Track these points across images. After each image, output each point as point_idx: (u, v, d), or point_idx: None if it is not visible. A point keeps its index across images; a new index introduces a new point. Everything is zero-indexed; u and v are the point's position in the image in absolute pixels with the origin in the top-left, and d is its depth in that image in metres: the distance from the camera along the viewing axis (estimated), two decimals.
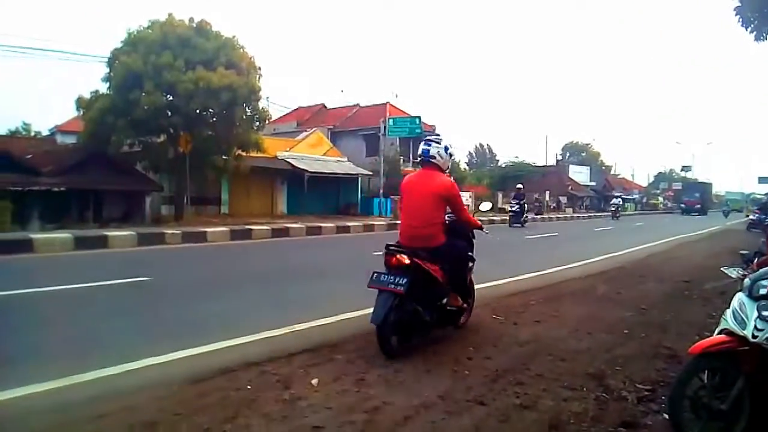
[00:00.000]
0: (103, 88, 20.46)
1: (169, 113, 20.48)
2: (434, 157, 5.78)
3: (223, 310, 7.01)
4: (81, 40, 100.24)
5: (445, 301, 5.76)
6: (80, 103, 20.35)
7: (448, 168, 6.04)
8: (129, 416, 3.72)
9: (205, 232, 16.21)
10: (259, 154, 23.71)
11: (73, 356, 4.98)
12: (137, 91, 19.18)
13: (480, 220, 6.73)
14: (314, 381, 4.52)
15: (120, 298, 7.72)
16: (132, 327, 6.14)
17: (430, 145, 5.81)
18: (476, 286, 6.98)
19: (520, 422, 3.97)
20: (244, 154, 22.65)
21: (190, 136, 20.26)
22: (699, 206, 62.56)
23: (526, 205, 29.66)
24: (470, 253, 6.44)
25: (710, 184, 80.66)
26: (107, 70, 20.30)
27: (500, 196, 47.77)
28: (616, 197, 50.67)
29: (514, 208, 28.58)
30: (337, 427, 3.70)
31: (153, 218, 20.92)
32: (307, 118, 42.74)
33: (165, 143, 21.50)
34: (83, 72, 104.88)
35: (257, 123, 22.87)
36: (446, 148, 5.86)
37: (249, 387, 4.33)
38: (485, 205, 10.62)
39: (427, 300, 5.48)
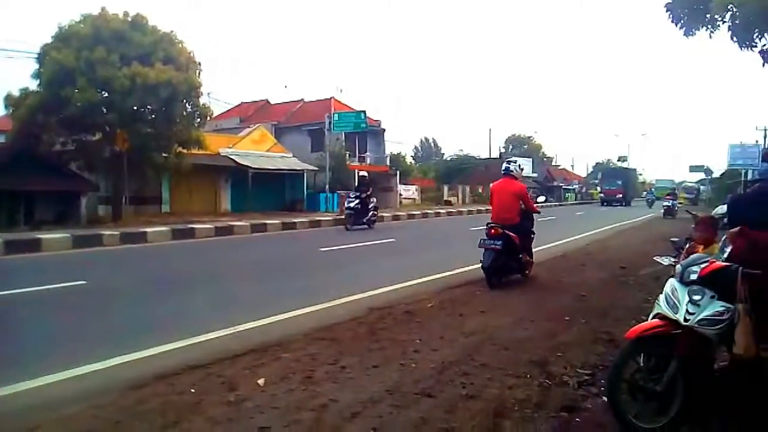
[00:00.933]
0: (33, 85, 19.53)
1: (105, 110, 19.72)
2: (512, 171, 9.47)
3: (164, 313, 6.82)
4: (8, 35, 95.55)
5: (520, 256, 9.28)
6: (8, 100, 19.35)
7: (520, 177, 9.89)
8: (64, 427, 3.57)
9: (145, 232, 15.75)
10: (201, 152, 23.16)
11: (2, 366, 4.74)
12: (69, 88, 18.38)
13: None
14: (260, 381, 4.46)
15: (54, 304, 7.39)
16: (67, 333, 5.88)
17: (509, 164, 9.62)
18: (426, 278, 8.94)
19: (467, 412, 4.02)
20: (185, 151, 22.07)
21: (127, 133, 19.59)
22: (621, 195, 54.72)
23: (373, 199, 21.30)
24: (532, 229, 9.89)
25: (633, 170, 70.54)
26: (37, 66, 19.37)
27: (446, 189, 48.34)
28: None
29: (351, 204, 20.26)
30: (283, 427, 3.66)
31: (89, 219, 20.12)
32: (251, 113, 42.09)
33: (100, 141, 20.73)
34: (11, 69, 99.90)
35: (198, 119, 22.33)
36: (519, 166, 9.91)
37: (192, 390, 4.22)
38: (540, 198, 13.90)
39: (511, 255, 9.05)
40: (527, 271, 9.57)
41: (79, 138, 20.59)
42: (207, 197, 28.40)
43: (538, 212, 10.41)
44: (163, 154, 21.41)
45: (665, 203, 32.80)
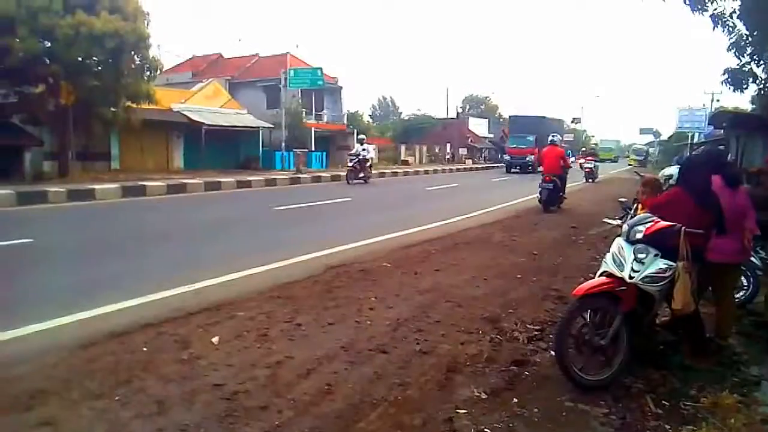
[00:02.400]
0: None
1: (48, 61, 18.75)
2: (556, 142, 15.66)
3: (115, 272, 6.66)
4: None
5: (561, 193, 15.12)
6: None
7: (560, 145, 16.23)
8: (14, 386, 3.49)
9: (94, 189, 15.25)
10: (152, 106, 22.35)
11: None
12: (10, 37, 17.36)
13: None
14: (215, 339, 4.44)
15: None
16: (13, 293, 5.65)
17: (554, 137, 15.76)
18: (383, 237, 8.70)
19: (420, 367, 4.12)
20: (134, 105, 21.26)
21: (72, 86, 18.72)
22: (531, 158, 35.03)
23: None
24: (566, 176, 15.66)
25: (559, 121, 48.27)
26: None
27: (403, 148, 48.26)
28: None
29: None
30: (238, 384, 3.67)
31: (34, 175, 19.29)
32: (203, 68, 40.73)
33: (44, 94, 19.75)
34: None
35: (148, 73, 21.45)
36: (561, 138, 17.64)
37: (144, 349, 4.18)
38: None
39: (556, 192, 14.76)
40: (561, 204, 15.24)
41: (21, 90, 19.58)
42: (159, 154, 27.61)
43: (570, 167, 17.30)
44: (111, 109, 20.60)
45: (586, 165, 29.28)
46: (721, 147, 13.63)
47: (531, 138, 36.90)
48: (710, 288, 4.88)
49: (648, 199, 5.06)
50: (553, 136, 15.83)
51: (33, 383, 3.53)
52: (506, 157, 38.41)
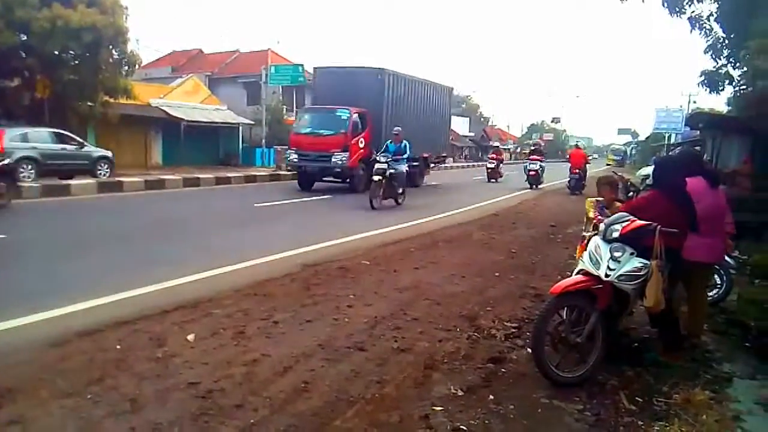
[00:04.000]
0: None
1: (24, 54, 18.44)
2: (579, 146, 25.50)
3: (89, 269, 6.55)
4: None
5: (583, 182, 21.31)
6: None
7: (583, 148, 26.39)
8: None
9: (69, 185, 14.99)
10: (130, 101, 22.09)
11: None
12: None
13: None
14: (190, 337, 4.39)
15: None
16: None
17: (578, 143, 28.71)
18: (362, 234, 8.59)
19: (397, 365, 4.12)
20: (111, 100, 20.99)
21: (49, 79, 18.43)
22: (343, 158, 17.11)
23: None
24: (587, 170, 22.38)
25: (444, 89, 24.43)
26: None
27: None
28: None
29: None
30: (214, 382, 3.64)
31: None
32: (183, 63, 40.32)
33: (20, 87, 19.44)
34: None
35: (126, 67, 21.20)
36: (582, 144, 30.60)
37: (118, 347, 4.12)
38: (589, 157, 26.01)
39: (580, 180, 21.39)
40: (582, 190, 19.74)
41: None
42: (137, 150, 27.27)
43: (589, 163, 23.78)
44: (88, 103, 20.33)
45: (530, 166, 22.68)
46: (697, 148, 13.83)
47: (346, 116, 17.44)
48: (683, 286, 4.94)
49: (604, 196, 5.21)
50: (577, 141, 25.13)
51: (2, 382, 3.45)
52: (292, 155, 18.34)
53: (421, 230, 10.44)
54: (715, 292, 6.08)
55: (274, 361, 4.04)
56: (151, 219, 11.23)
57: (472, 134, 65.25)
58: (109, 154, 19.01)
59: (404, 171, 14.34)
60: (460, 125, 65.42)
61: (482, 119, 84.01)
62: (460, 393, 3.68)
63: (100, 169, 18.11)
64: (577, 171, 21.23)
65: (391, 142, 14.38)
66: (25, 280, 5.90)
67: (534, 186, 22.33)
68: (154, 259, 7.22)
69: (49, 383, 3.47)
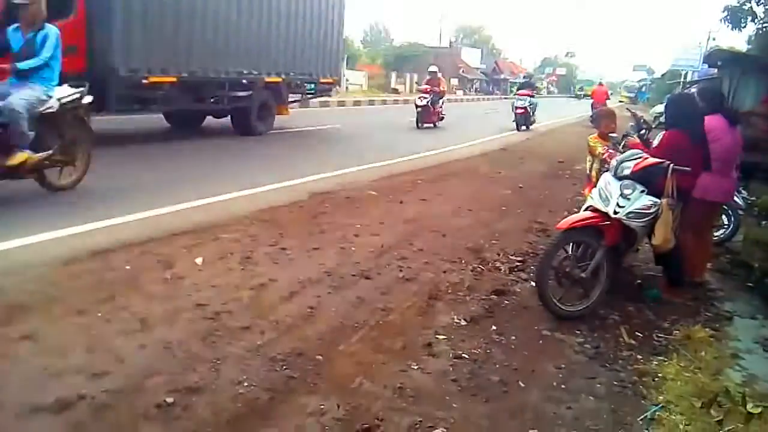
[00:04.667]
0: None
1: None
2: (602, 84, 26.81)
3: (94, 189, 6.48)
4: None
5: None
6: None
7: (605, 86, 27.43)
8: None
9: None
10: None
11: None
12: None
13: None
14: (198, 260, 4.44)
15: None
16: None
17: (601, 80, 29.99)
18: (370, 165, 8.25)
19: (402, 293, 4.18)
20: None
21: None
22: None
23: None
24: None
25: None
26: None
27: (394, 76, 47.37)
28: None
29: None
30: (221, 304, 3.70)
31: None
32: None
33: None
34: None
35: None
36: (605, 83, 29.37)
37: (127, 267, 4.17)
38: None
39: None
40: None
41: None
42: None
43: (609, 98, 25.00)
44: None
45: (518, 103, 18.96)
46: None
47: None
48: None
49: (604, 129, 5.16)
50: (600, 80, 29.52)
51: (14, 297, 3.51)
52: None
53: (429, 163, 10.38)
54: (722, 232, 6.09)
55: (281, 286, 4.10)
56: (158, 143, 11.15)
57: (483, 66, 63.88)
58: None
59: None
60: (471, 57, 63.99)
61: (494, 51, 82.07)
62: (463, 323, 3.74)
63: None
64: (597, 106, 21.11)
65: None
66: (33, 199, 5.91)
67: (523, 127, 18.58)
68: (160, 182, 7.19)
69: (61, 300, 3.54)
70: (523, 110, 18.57)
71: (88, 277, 3.93)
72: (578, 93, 49.84)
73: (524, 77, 22.15)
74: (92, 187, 6.44)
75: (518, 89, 20.55)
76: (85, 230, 4.90)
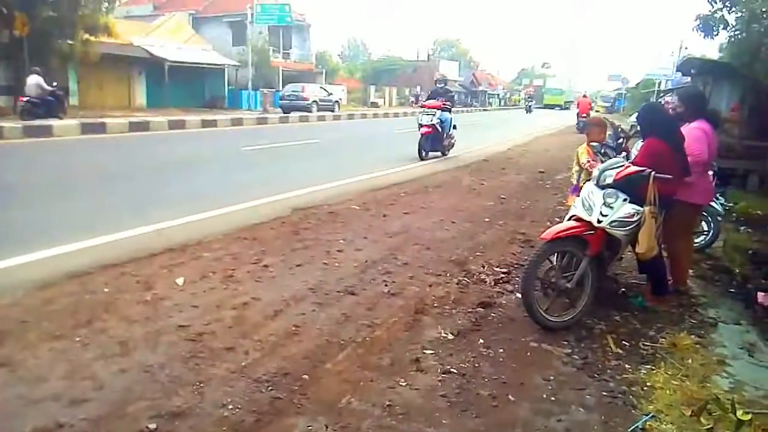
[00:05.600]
0: None
1: None
2: (586, 96, 30.69)
3: (75, 211, 6.44)
4: None
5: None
6: None
7: (589, 98, 32.29)
8: None
9: (51, 126, 14.62)
10: (111, 40, 21.46)
11: None
12: None
13: None
14: (179, 280, 4.36)
15: None
16: None
17: (585, 93, 33.86)
18: (351, 179, 8.45)
19: (388, 308, 4.13)
20: (92, 39, 20.34)
21: (27, 16, 17.74)
22: None
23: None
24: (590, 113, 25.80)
25: None
26: None
27: (372, 90, 47.53)
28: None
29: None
30: (204, 325, 3.63)
31: None
32: (165, 0, 39.00)
33: None
34: None
35: (106, 4, 20.49)
36: (588, 96, 33.54)
37: (106, 290, 4.07)
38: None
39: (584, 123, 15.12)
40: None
41: None
42: (120, 91, 26.68)
43: (592, 108, 30.52)
44: (68, 41, 19.68)
45: (423, 120, 12.53)
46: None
47: None
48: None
49: (592, 137, 5.20)
50: (585, 93, 30.77)
51: None
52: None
53: (411, 175, 10.37)
54: (702, 238, 6.14)
55: (265, 304, 4.04)
56: (136, 162, 11.05)
57: (461, 79, 64.34)
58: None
59: None
60: (449, 70, 64.47)
61: (472, 63, 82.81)
62: (450, 336, 3.71)
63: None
64: (584, 116, 25.00)
65: None
66: (12, 222, 5.80)
67: (424, 154, 12.51)
68: (140, 201, 7.11)
69: (37, 326, 3.44)
70: (429, 128, 12.51)
71: (65, 301, 3.83)
72: (526, 104, 50.46)
73: (437, 81, 14.72)
74: (68, 207, 6.32)
75: (427, 99, 13.92)
76: (62, 252, 4.80)
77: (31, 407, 2.66)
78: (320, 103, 28.44)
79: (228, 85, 31.96)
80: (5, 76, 20.01)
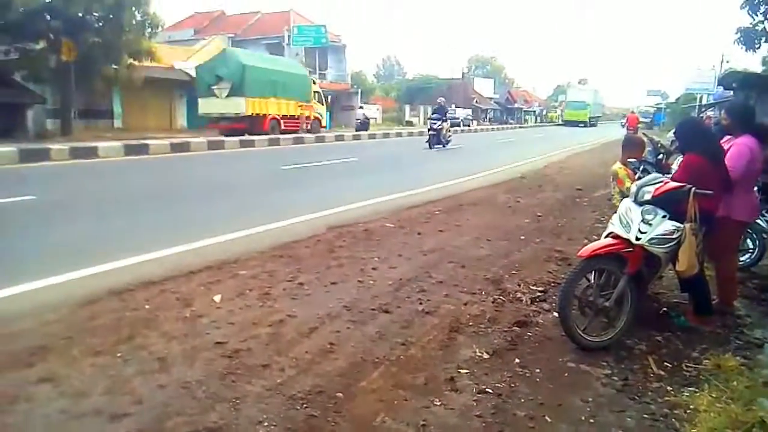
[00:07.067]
0: None
1: (48, 16, 18.46)
2: (635, 112, 42.45)
3: (117, 230, 6.63)
4: None
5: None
6: None
7: (637, 113, 45.26)
8: (14, 342, 3.49)
9: (96, 147, 15.13)
10: (154, 64, 22.14)
11: None
12: None
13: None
14: (216, 297, 4.43)
15: (1, 219, 7.11)
16: (14, 249, 5.64)
17: (635, 110, 45.68)
18: (386, 197, 7.91)
19: (422, 327, 4.11)
20: (136, 63, 21.03)
21: (73, 42, 18.47)
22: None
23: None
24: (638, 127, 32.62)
25: None
26: None
27: (407, 109, 47.77)
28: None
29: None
30: (240, 342, 3.67)
31: (37, 133, 19.22)
32: (205, 25, 40.16)
33: (45, 50, 19.52)
34: None
35: (149, 29, 21.15)
36: (637, 111, 48.60)
37: (146, 306, 4.17)
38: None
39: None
40: None
41: (23, 46, 19.32)
42: (162, 113, 27.44)
43: (640, 123, 37.89)
44: (113, 66, 20.38)
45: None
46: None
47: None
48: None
49: (627, 156, 5.15)
50: (633, 111, 36.38)
51: (33, 340, 3.52)
52: None
53: (446, 193, 10.35)
54: (747, 256, 5.95)
55: (300, 322, 4.06)
56: (177, 182, 11.33)
57: (496, 96, 64.20)
58: None
59: None
60: (484, 87, 64.42)
61: (507, 80, 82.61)
62: (485, 356, 3.66)
63: None
64: (632, 130, 28.68)
65: None
66: (55, 240, 6.01)
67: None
68: (181, 220, 7.28)
69: (80, 341, 3.54)
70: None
71: (107, 317, 3.93)
72: (622, 122, 50.03)
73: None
74: (110, 226, 6.50)
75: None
76: (104, 270, 4.94)
77: (74, 421, 2.72)
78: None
79: None
80: (53, 100, 20.79)
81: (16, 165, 12.66)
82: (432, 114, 23.23)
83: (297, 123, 26.07)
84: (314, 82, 29.60)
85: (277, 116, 24.44)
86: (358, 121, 33.49)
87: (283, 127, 24.60)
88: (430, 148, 20.87)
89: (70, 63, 18.51)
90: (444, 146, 21.57)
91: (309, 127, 26.80)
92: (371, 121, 36.87)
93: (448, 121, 23.03)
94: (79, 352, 3.40)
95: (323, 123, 29.74)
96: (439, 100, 24.03)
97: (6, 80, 19.33)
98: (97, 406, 2.85)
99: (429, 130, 21.90)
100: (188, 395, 3.00)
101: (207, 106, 23.18)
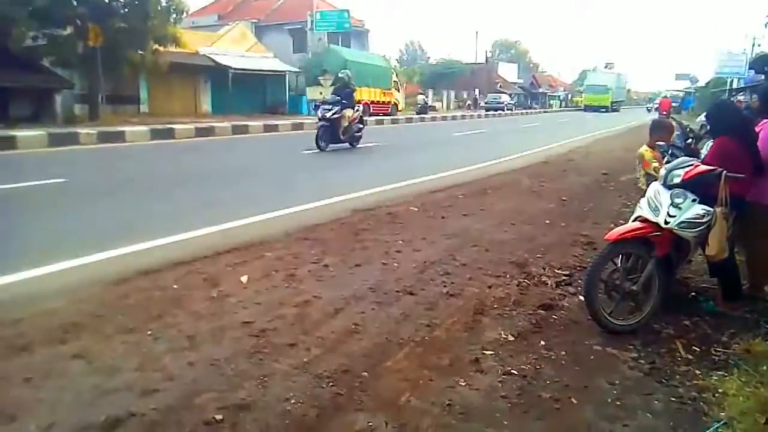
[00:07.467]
0: None
1: (75, 2, 18.66)
2: (667, 96, 41.70)
3: (146, 211, 6.75)
4: None
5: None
6: None
7: (669, 98, 44.98)
8: (48, 319, 3.58)
9: (123, 131, 15.35)
10: (179, 50, 22.25)
11: None
12: None
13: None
14: (243, 278, 4.48)
15: (34, 201, 7.26)
16: (47, 230, 5.78)
17: (668, 93, 47.53)
18: (410, 181, 7.91)
19: (447, 309, 4.12)
20: (161, 48, 21.19)
21: (100, 28, 18.65)
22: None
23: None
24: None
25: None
26: None
27: (431, 93, 47.46)
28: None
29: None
30: (267, 322, 3.72)
31: (65, 118, 19.49)
32: (229, 10, 40.19)
33: (72, 36, 19.75)
34: None
35: (174, 15, 21.25)
36: (668, 96, 47.75)
37: (175, 286, 4.24)
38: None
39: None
40: None
41: (50, 32, 19.57)
42: (186, 98, 27.61)
43: (672, 107, 37.38)
44: (139, 51, 20.56)
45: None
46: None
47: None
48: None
49: (655, 139, 5.10)
50: (666, 93, 43.48)
51: (66, 317, 3.61)
52: None
53: (469, 177, 10.31)
54: None
55: (325, 302, 4.10)
56: (203, 165, 11.44)
57: (520, 81, 63.46)
58: None
59: None
60: (508, 72, 63.70)
61: (531, 65, 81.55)
62: (510, 338, 3.66)
63: None
64: (665, 114, 28.34)
65: None
66: (87, 222, 6.13)
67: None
68: (206, 202, 7.36)
69: (111, 319, 3.62)
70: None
71: (138, 296, 4.02)
72: (648, 106, 51.49)
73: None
74: (139, 208, 6.60)
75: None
76: (134, 250, 5.03)
77: (105, 397, 2.79)
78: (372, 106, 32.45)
79: (289, 91, 32.60)
80: (81, 85, 21.06)
81: (46, 149, 12.90)
82: (329, 96, 14.93)
83: (385, 107, 32.98)
84: (394, 73, 37.30)
85: (368, 102, 29.59)
86: (419, 105, 38.44)
87: (372, 111, 29.77)
88: (318, 148, 13.27)
89: (97, 48, 18.69)
90: (353, 145, 14.54)
91: (389, 110, 33.24)
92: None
93: (359, 108, 15.02)
94: (110, 329, 3.48)
95: (400, 107, 36.94)
96: (341, 74, 15.90)
97: (35, 66, 19.61)
98: (128, 381, 2.92)
99: (319, 119, 13.78)
100: (217, 372, 3.06)
101: (314, 93, 28.24)
